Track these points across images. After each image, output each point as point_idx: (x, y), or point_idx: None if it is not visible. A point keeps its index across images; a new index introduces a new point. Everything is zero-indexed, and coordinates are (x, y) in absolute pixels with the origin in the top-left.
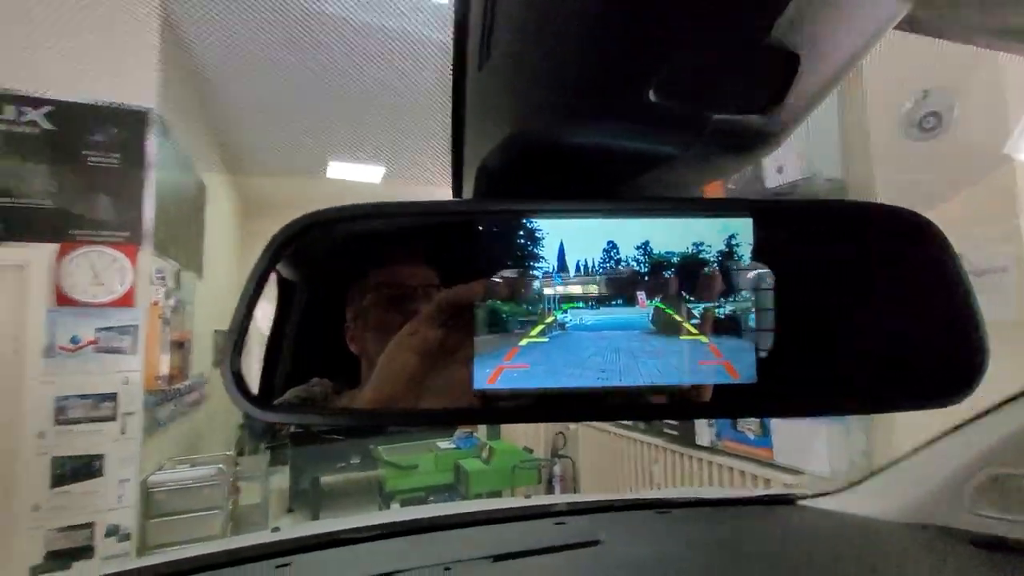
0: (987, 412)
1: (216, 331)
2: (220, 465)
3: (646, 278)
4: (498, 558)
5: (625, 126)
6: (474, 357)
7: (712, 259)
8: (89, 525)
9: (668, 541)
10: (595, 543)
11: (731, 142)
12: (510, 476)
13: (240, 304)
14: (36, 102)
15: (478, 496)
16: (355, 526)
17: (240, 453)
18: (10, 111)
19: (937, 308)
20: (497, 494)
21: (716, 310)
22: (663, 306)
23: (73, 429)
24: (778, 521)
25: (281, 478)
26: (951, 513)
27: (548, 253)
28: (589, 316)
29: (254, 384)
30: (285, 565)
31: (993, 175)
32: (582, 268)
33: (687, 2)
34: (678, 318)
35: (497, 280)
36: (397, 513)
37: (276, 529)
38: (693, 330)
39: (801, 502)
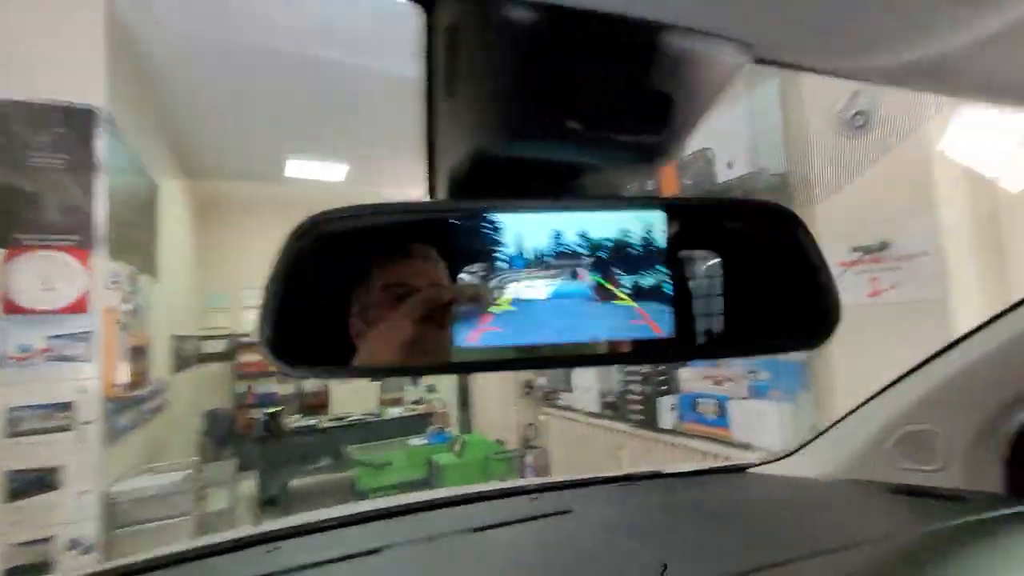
0: (902, 378)
1: (174, 336)
2: (187, 471)
3: (586, 258)
4: (477, 529)
5: (561, 143)
6: (454, 322)
7: (635, 241)
8: (48, 539)
9: (633, 508)
10: (567, 512)
11: (637, 155)
12: (483, 468)
13: (266, 285)
14: None
15: None
16: (338, 514)
17: (204, 459)
18: None
19: (801, 274)
20: None
21: (640, 281)
22: (600, 279)
23: (27, 441)
24: (730, 487)
25: (249, 484)
26: (875, 468)
27: (511, 240)
28: (544, 289)
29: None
30: (275, 549)
31: (914, 168)
32: (537, 252)
33: (594, 61)
34: (610, 287)
35: (464, 277)
36: (378, 502)
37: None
38: (624, 297)
39: (750, 470)
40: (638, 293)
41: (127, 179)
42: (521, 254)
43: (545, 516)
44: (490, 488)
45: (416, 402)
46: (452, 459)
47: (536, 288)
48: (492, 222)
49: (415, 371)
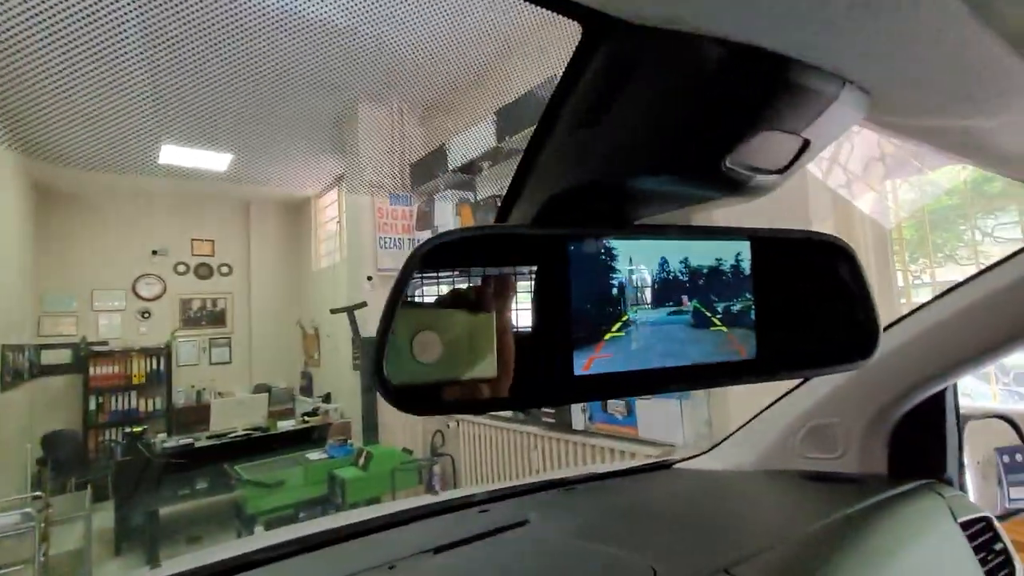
0: (805, 380)
1: (4, 346)
2: (26, 510)
3: (687, 285)
4: (439, 550)
5: (693, 179)
6: (574, 349)
7: (727, 270)
8: None
9: (583, 512)
10: (524, 523)
11: (752, 192)
12: (389, 480)
13: (384, 316)
14: None
15: (355, 506)
16: (269, 544)
17: (46, 492)
18: None
19: (851, 300)
20: (376, 501)
21: (730, 307)
22: (699, 306)
23: None
24: (662, 483)
25: (107, 516)
26: (786, 459)
27: (621, 266)
28: (651, 315)
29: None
30: None
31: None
32: (645, 279)
33: (757, 103)
34: (708, 314)
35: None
36: (317, 523)
37: (156, 567)
38: (717, 323)
39: (676, 466)
40: (728, 318)
41: None
42: (632, 281)
43: (504, 529)
44: (435, 501)
45: (310, 413)
46: (356, 473)
47: (645, 314)
48: (609, 248)
49: (534, 403)
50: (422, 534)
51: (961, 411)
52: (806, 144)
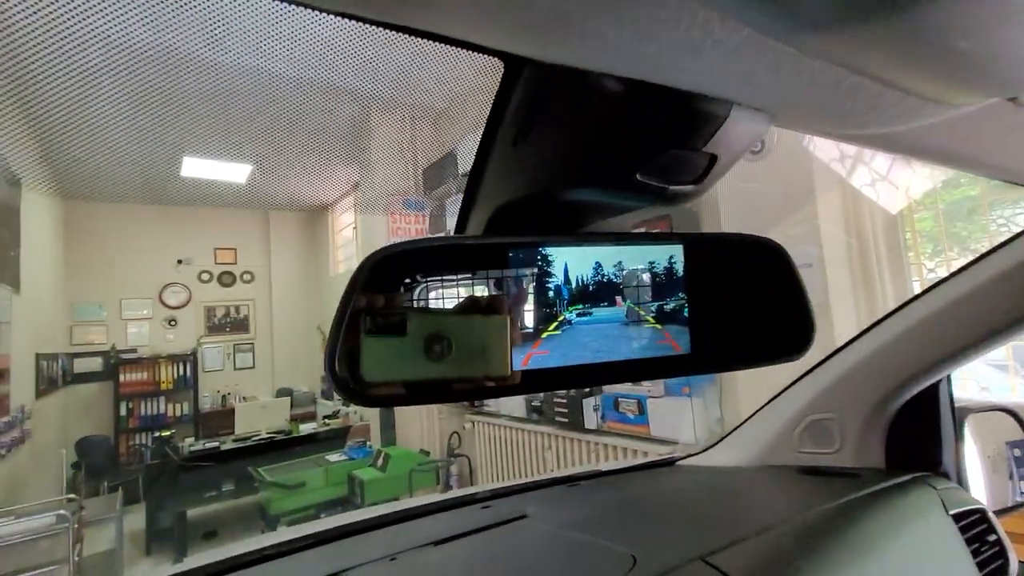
0: (803, 376)
1: (40, 354)
2: (60, 511)
3: (621, 286)
4: (438, 543)
5: (612, 190)
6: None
7: (661, 272)
8: None
9: (585, 507)
10: (523, 517)
11: (671, 199)
12: (407, 481)
13: (335, 319)
14: None
15: (375, 505)
16: (284, 539)
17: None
18: None
19: (784, 298)
20: (395, 500)
21: (664, 307)
22: (632, 305)
23: None
24: (663, 479)
25: (137, 518)
26: (784, 454)
27: (558, 271)
28: (586, 315)
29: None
30: None
31: (800, 188)
32: (580, 281)
33: (659, 126)
34: (642, 313)
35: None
36: (326, 522)
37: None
38: (651, 320)
39: (679, 463)
40: (661, 316)
41: None
42: (568, 283)
43: (503, 523)
44: (439, 499)
45: (331, 416)
46: (375, 474)
47: (580, 314)
48: (544, 255)
49: (473, 396)
50: (425, 529)
51: (963, 403)
52: (713, 159)
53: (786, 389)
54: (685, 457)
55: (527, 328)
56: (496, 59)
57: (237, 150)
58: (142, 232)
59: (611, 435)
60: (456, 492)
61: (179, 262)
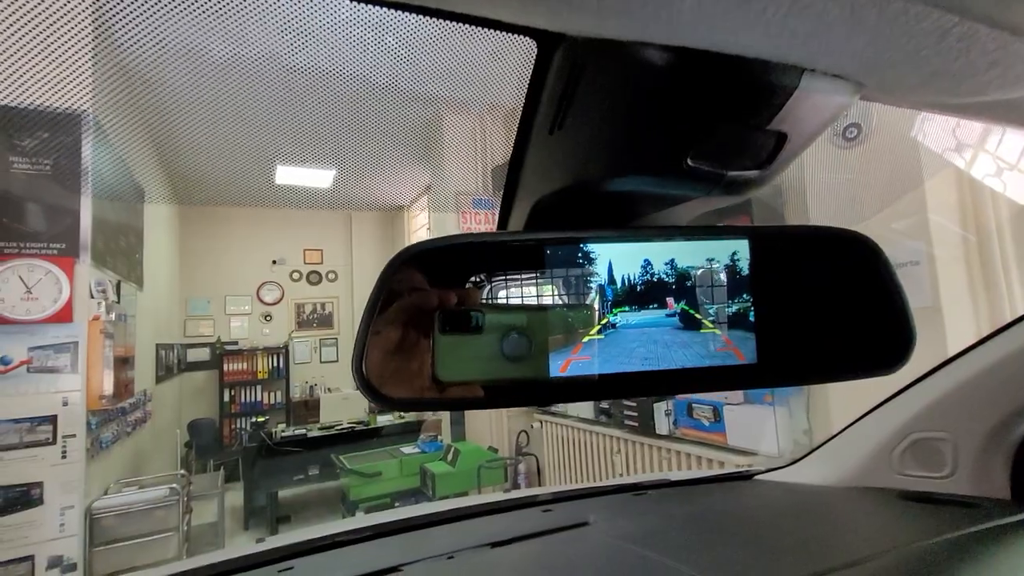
0: (907, 387)
1: (159, 344)
2: (173, 485)
3: (673, 286)
4: (495, 544)
5: (662, 180)
6: (549, 351)
7: (721, 271)
8: (29, 558)
9: (647, 518)
10: (584, 524)
11: (734, 189)
12: (476, 477)
13: (363, 317)
14: None
15: (444, 498)
16: (351, 528)
17: (189, 471)
18: None
19: (875, 300)
20: (463, 495)
21: (725, 309)
22: (686, 307)
23: (7, 456)
24: (739, 494)
25: (236, 495)
26: (881, 475)
27: (601, 269)
28: (633, 317)
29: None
30: (288, 569)
31: (905, 178)
32: (626, 281)
33: (713, 102)
34: (698, 316)
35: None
36: (388, 514)
37: (261, 540)
38: (709, 325)
39: (757, 477)
40: (722, 320)
41: (113, 185)
42: (612, 283)
43: (564, 529)
44: (500, 499)
45: None
46: (445, 468)
47: (626, 316)
48: (587, 252)
49: (506, 403)
50: (484, 529)
51: None
52: (782, 138)
53: (887, 400)
54: (765, 471)
55: (568, 331)
56: (529, 40)
57: (321, 156)
58: (243, 235)
59: (683, 442)
60: (518, 493)
61: (274, 262)
